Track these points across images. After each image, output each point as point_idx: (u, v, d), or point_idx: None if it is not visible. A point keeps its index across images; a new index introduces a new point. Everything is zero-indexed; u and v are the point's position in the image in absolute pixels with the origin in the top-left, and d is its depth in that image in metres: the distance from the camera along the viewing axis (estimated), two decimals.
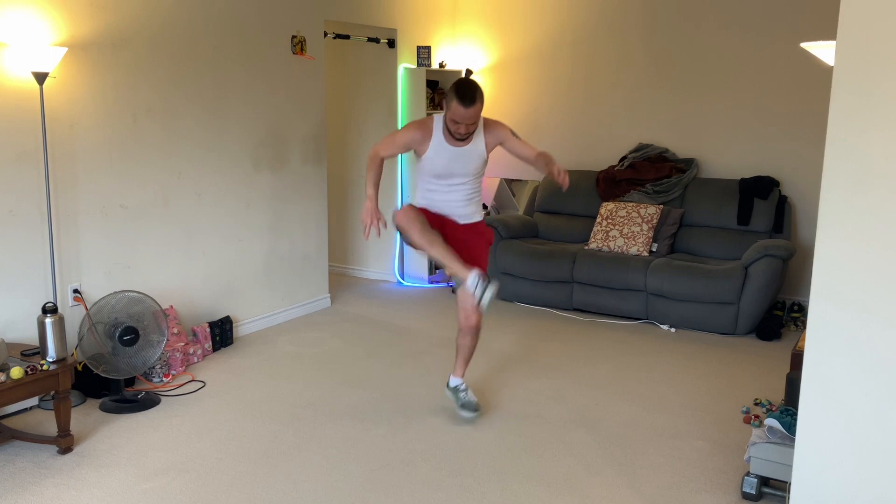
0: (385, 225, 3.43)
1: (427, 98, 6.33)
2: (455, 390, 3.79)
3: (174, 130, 4.53)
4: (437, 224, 3.52)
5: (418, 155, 3.53)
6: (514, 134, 3.55)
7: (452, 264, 3.33)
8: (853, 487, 2.41)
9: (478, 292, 3.28)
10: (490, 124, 3.51)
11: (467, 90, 3.24)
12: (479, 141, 3.48)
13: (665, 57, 6.02)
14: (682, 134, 6.04)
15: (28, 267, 3.85)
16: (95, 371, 3.79)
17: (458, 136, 3.37)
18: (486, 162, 3.57)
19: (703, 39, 5.85)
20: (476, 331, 3.72)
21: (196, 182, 4.70)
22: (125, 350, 3.84)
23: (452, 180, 3.52)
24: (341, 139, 6.72)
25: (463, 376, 3.81)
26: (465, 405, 3.73)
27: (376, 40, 6.22)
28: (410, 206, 3.48)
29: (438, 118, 3.47)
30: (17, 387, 3.22)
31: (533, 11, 6.55)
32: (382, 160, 3.51)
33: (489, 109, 6.85)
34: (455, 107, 3.25)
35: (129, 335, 3.82)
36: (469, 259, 3.45)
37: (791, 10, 5.50)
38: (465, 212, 3.62)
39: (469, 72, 3.43)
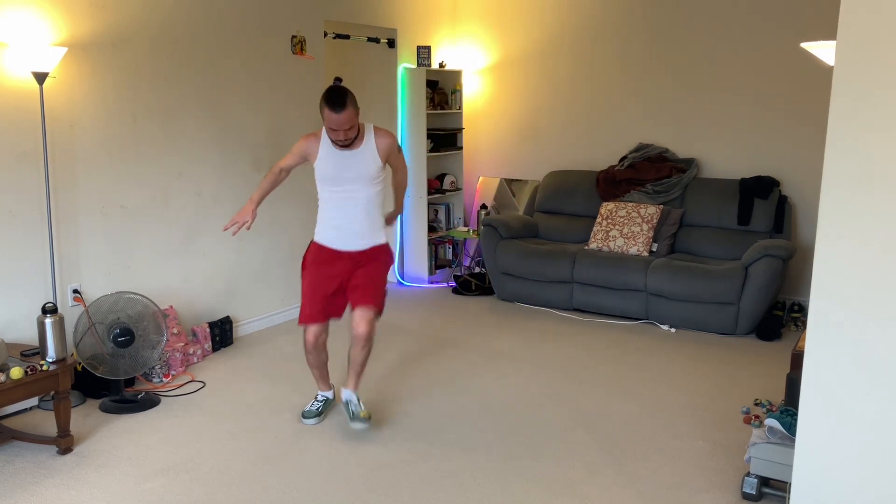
0: (249, 228, 3.50)
1: (427, 98, 6.33)
2: (346, 404, 3.61)
3: (174, 130, 4.53)
4: (334, 282, 3.55)
5: (312, 164, 3.53)
6: (399, 150, 3.61)
7: (318, 381, 3.78)
8: (853, 487, 2.41)
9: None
10: (381, 132, 3.53)
11: (336, 96, 3.26)
12: (369, 145, 3.47)
13: (665, 57, 6.02)
14: (682, 134, 6.04)
15: (28, 267, 3.85)
16: (94, 373, 3.79)
17: (339, 142, 3.38)
18: (381, 169, 3.52)
19: (704, 39, 5.85)
20: (364, 340, 3.56)
21: (196, 182, 4.70)
22: (121, 351, 3.83)
23: (346, 186, 3.48)
24: None
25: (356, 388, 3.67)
26: (355, 417, 3.56)
27: (376, 40, 6.22)
28: (307, 264, 3.61)
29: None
30: (17, 387, 3.22)
31: (533, 11, 6.55)
32: (281, 171, 3.59)
33: (490, 109, 6.86)
34: (327, 114, 3.28)
35: (125, 336, 3.82)
36: (360, 299, 3.53)
37: (791, 10, 5.50)
38: (364, 228, 3.54)
39: (338, 79, 3.50)
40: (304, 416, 3.75)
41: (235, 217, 3.47)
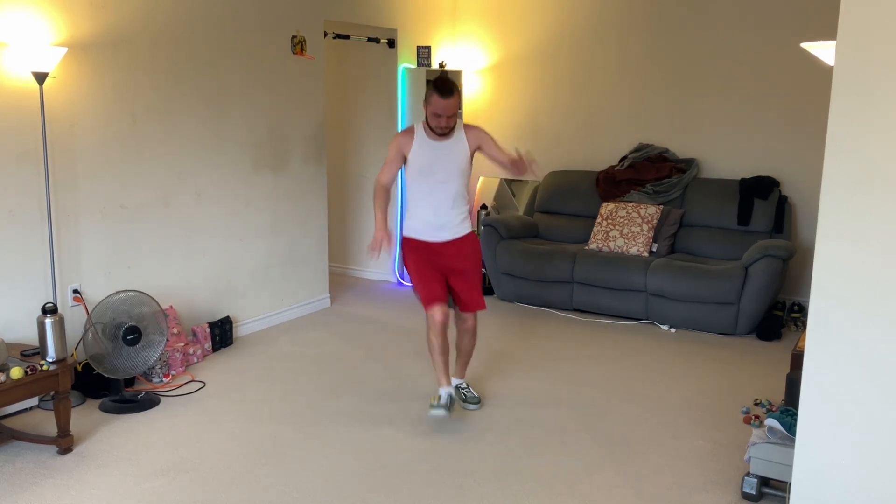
0: (390, 245, 3.73)
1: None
2: (458, 388, 4.00)
3: (174, 130, 4.53)
4: (435, 268, 3.76)
5: (406, 158, 3.74)
6: (493, 140, 3.79)
7: (440, 374, 3.78)
8: (853, 487, 2.41)
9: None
10: (471, 127, 3.78)
11: (445, 84, 3.55)
12: (460, 137, 3.71)
13: (665, 57, 6.02)
14: (682, 134, 6.04)
15: (28, 267, 3.85)
16: (97, 370, 3.79)
17: (440, 129, 3.61)
18: (470, 161, 3.73)
19: (704, 39, 5.85)
20: (473, 333, 3.94)
21: (196, 182, 4.70)
22: (128, 350, 3.84)
23: (436, 177, 3.68)
24: (341, 139, 6.71)
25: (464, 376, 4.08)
26: (468, 399, 3.95)
27: (376, 40, 6.22)
28: (408, 256, 3.81)
29: (419, 123, 3.78)
30: (17, 387, 3.22)
31: (533, 11, 6.55)
32: (386, 186, 3.80)
33: (490, 109, 6.86)
34: (435, 100, 3.54)
35: (133, 334, 3.83)
36: (466, 300, 3.81)
37: (791, 10, 5.50)
38: (453, 219, 3.75)
39: (444, 70, 3.77)
40: (433, 407, 3.63)
41: (371, 248, 3.69)
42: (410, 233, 3.80)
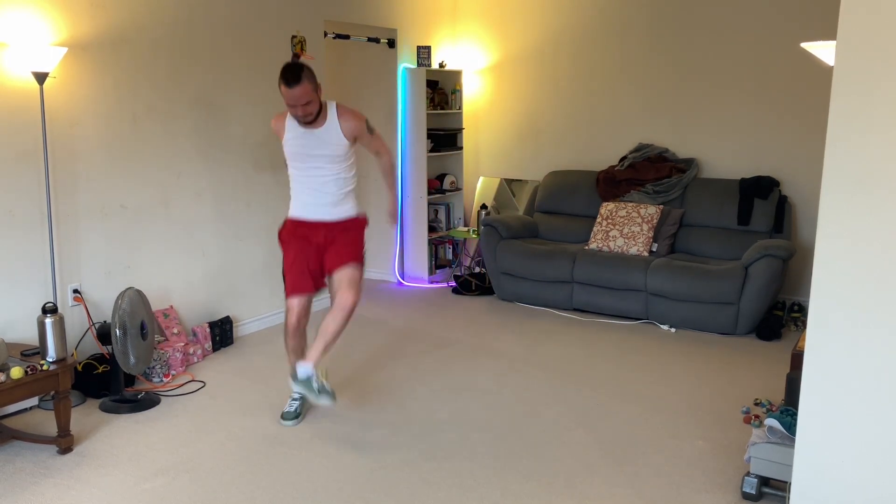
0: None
1: (427, 98, 6.33)
2: (307, 380, 3.44)
3: (174, 130, 4.53)
4: (310, 249, 3.58)
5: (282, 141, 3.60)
6: (369, 128, 3.58)
7: (290, 355, 3.66)
8: (853, 487, 2.41)
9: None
10: (345, 112, 3.52)
11: (289, 72, 3.29)
12: (332, 125, 3.48)
13: (665, 57, 6.02)
14: (682, 134, 6.04)
15: (28, 267, 3.85)
16: (127, 370, 3.80)
17: (298, 118, 3.40)
18: (348, 148, 3.53)
19: (704, 39, 5.85)
20: (346, 311, 3.48)
21: (196, 182, 4.70)
22: (143, 343, 3.84)
23: (310, 163, 3.52)
24: None
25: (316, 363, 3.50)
26: (321, 391, 3.42)
27: (376, 40, 6.22)
28: (284, 239, 3.65)
29: None
30: (17, 387, 3.22)
31: (533, 11, 6.55)
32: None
33: (490, 109, 6.86)
34: (283, 90, 3.30)
35: (145, 329, 3.88)
36: (338, 261, 3.54)
37: (791, 10, 5.50)
38: (333, 199, 3.56)
39: (296, 55, 3.54)
40: (284, 417, 3.68)
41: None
42: (293, 214, 3.64)
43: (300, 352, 3.70)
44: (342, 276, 3.54)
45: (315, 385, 3.39)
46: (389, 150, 3.83)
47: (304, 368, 3.43)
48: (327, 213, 3.59)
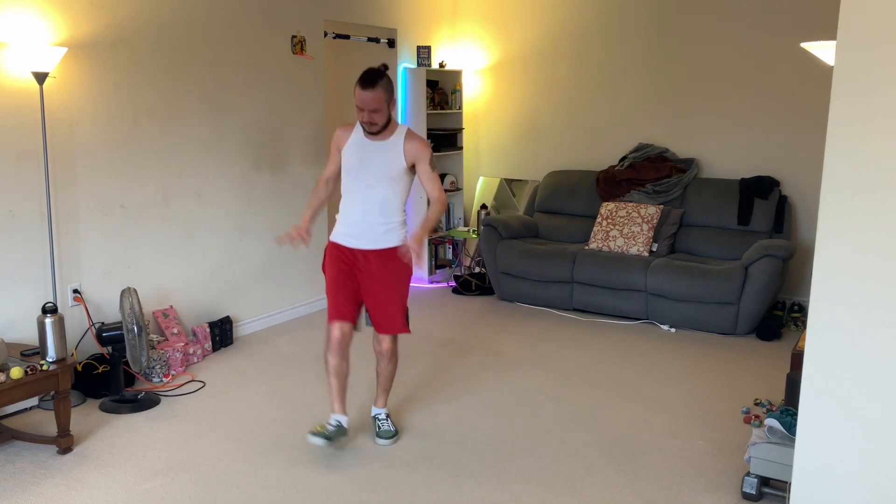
0: (307, 245, 3.52)
1: (427, 98, 6.33)
2: (374, 419, 3.62)
3: (174, 130, 4.53)
4: (352, 281, 3.46)
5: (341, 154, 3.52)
6: (431, 163, 3.46)
7: (333, 398, 3.47)
8: (853, 487, 2.41)
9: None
10: (414, 136, 3.44)
11: (368, 75, 3.30)
12: (396, 143, 3.40)
13: (666, 56, 6.02)
14: (682, 134, 6.04)
15: (28, 267, 3.85)
16: (134, 369, 3.78)
17: (364, 123, 3.33)
18: (405, 172, 3.42)
19: (704, 39, 5.85)
20: (390, 355, 3.55)
21: (196, 182, 4.70)
22: (143, 341, 3.85)
23: (364, 181, 3.41)
24: None
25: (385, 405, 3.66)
26: (381, 434, 3.55)
27: (376, 40, 6.22)
28: (327, 262, 3.53)
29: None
30: (17, 387, 3.22)
31: (533, 11, 6.55)
32: (324, 181, 3.64)
33: (490, 109, 6.86)
34: (357, 91, 3.29)
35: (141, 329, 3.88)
36: (381, 320, 3.47)
37: (791, 10, 5.50)
38: (376, 228, 3.43)
39: (385, 65, 3.49)
40: (313, 434, 3.32)
41: (292, 233, 3.45)
42: (335, 237, 3.52)
43: (342, 379, 3.47)
44: (383, 347, 3.52)
45: (379, 424, 3.58)
46: (446, 199, 3.55)
47: (375, 409, 3.64)
48: (367, 242, 3.45)
